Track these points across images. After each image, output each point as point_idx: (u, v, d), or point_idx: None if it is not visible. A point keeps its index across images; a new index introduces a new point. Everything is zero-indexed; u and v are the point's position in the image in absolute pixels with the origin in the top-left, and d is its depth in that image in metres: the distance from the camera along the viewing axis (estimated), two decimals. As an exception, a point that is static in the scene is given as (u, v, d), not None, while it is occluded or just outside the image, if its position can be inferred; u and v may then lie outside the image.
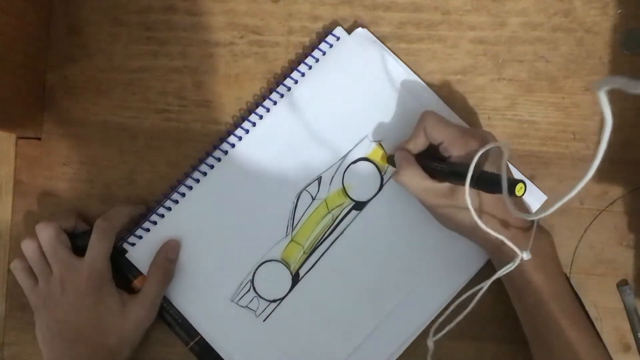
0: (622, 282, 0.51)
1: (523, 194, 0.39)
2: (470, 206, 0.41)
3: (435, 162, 0.45)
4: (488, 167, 0.42)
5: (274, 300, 0.51)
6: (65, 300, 0.47)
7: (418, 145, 0.47)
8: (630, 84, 0.24)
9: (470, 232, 0.46)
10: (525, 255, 0.42)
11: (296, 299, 0.51)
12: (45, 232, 0.48)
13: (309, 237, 0.51)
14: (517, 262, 0.43)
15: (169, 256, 0.50)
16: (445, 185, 0.44)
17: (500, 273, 0.44)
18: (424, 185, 0.45)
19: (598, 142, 0.50)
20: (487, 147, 0.42)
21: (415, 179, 0.45)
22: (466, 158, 0.43)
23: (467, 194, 0.41)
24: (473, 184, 0.41)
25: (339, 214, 0.51)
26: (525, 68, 0.52)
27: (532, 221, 0.45)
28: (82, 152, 0.53)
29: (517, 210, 0.41)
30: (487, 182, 0.40)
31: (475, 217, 0.41)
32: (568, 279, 0.50)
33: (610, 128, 0.28)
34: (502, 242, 0.42)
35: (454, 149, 0.44)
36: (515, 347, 0.50)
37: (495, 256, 0.46)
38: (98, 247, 0.48)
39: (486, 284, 0.45)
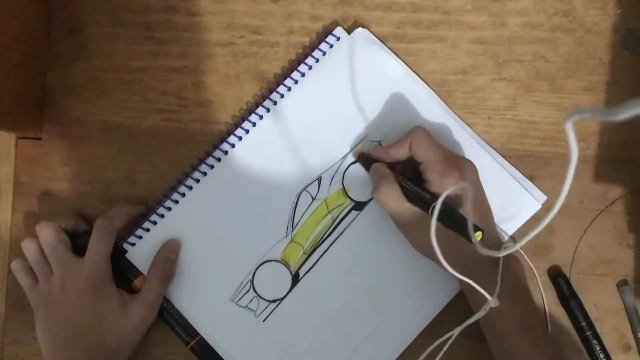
0: (622, 282, 0.51)
1: (479, 241, 0.39)
2: (436, 247, 0.38)
3: (408, 182, 0.45)
4: (460, 202, 0.42)
5: (274, 301, 0.51)
6: (65, 300, 0.47)
7: (398, 155, 0.47)
8: (601, 112, 0.23)
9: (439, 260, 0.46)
10: (493, 303, 0.41)
11: (296, 299, 0.51)
12: (46, 232, 0.48)
13: (308, 237, 0.51)
14: (487, 309, 0.42)
15: (169, 256, 0.50)
16: (419, 209, 0.44)
17: (471, 320, 0.43)
18: (400, 206, 0.45)
19: (598, 143, 0.51)
20: (450, 189, 0.40)
21: (394, 198, 0.45)
22: (439, 186, 0.43)
23: (434, 234, 0.38)
24: (437, 217, 0.41)
25: (339, 214, 0.51)
26: (525, 68, 0.52)
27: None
28: (82, 152, 0.53)
29: (484, 248, 0.39)
30: (449, 220, 0.40)
31: (442, 259, 0.38)
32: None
33: (575, 163, 0.27)
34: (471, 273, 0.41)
35: (431, 173, 0.44)
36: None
37: (464, 285, 0.46)
38: (98, 246, 0.48)
39: (456, 331, 0.44)
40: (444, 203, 0.41)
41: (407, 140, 0.46)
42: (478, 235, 0.39)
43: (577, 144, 0.26)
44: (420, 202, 0.44)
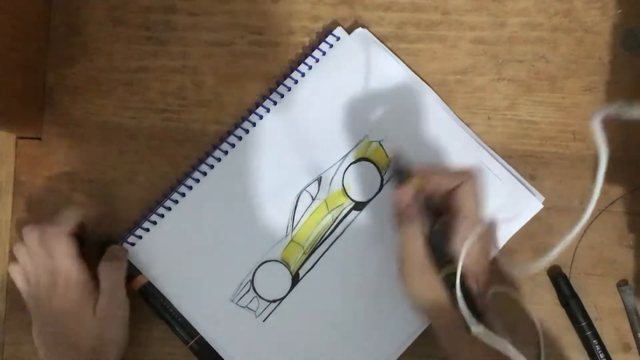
0: (622, 282, 0.51)
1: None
2: (464, 310, 0.38)
3: (431, 223, 0.43)
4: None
5: (274, 301, 0.51)
6: (51, 305, 0.47)
7: (439, 185, 0.43)
8: (628, 110, 0.24)
9: (430, 314, 0.45)
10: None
11: (296, 299, 0.51)
12: (30, 236, 0.47)
13: (309, 238, 0.51)
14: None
15: (115, 252, 0.49)
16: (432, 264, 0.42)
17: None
18: (416, 250, 0.42)
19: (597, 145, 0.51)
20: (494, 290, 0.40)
21: (413, 239, 0.42)
22: (462, 244, 0.41)
23: (460, 297, 0.39)
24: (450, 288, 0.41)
25: (339, 214, 0.51)
26: (525, 68, 0.52)
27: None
28: (82, 152, 0.53)
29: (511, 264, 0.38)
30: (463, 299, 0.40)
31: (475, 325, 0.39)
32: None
33: (606, 160, 0.27)
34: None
35: (466, 230, 0.41)
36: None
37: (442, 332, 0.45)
38: (69, 255, 0.47)
39: None
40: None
41: (460, 179, 0.43)
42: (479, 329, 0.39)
43: (589, 144, 0.26)
44: (440, 264, 0.42)
